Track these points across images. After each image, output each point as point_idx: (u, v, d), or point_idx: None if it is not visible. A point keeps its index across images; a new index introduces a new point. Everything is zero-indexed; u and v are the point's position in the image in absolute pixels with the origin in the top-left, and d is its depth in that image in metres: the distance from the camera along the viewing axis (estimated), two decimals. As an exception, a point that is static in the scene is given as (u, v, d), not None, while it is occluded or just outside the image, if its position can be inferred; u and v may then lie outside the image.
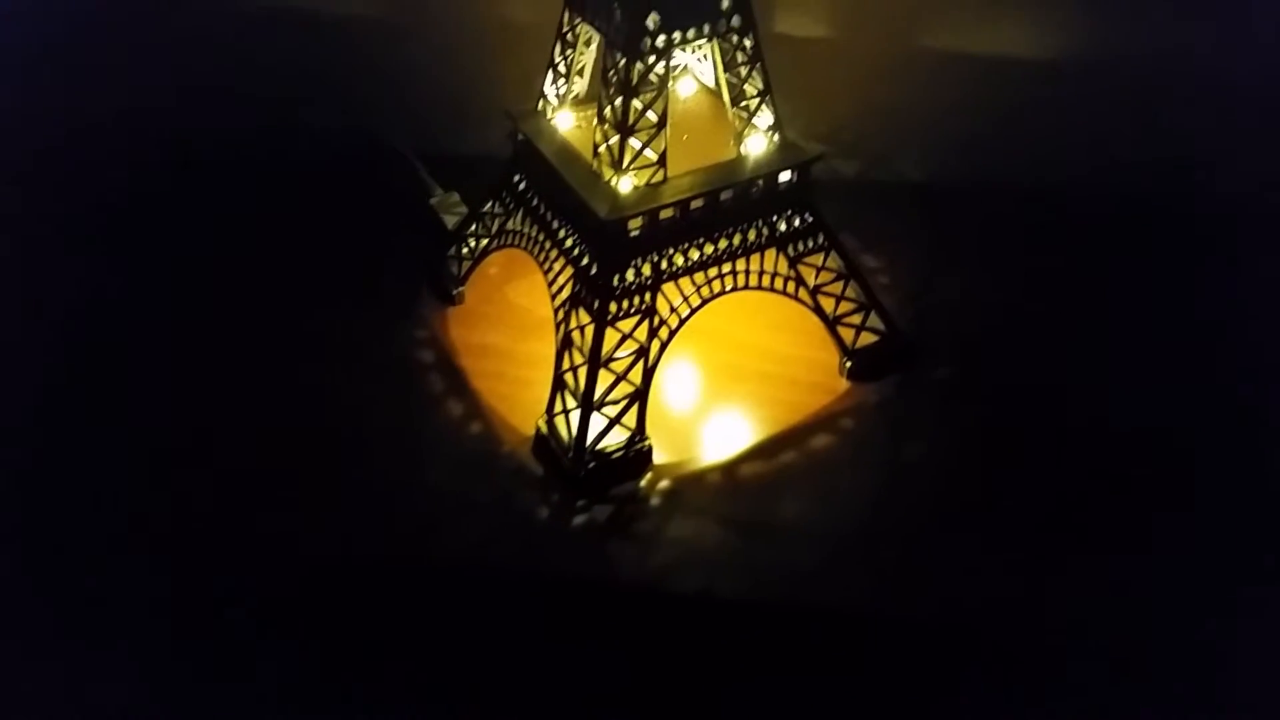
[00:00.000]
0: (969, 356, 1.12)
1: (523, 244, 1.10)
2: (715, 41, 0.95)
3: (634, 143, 0.93)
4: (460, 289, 1.19)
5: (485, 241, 1.16)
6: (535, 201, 1.07)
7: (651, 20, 0.89)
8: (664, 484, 1.00)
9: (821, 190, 1.31)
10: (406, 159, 1.37)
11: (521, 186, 1.10)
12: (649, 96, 0.92)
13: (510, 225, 1.12)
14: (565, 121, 1.07)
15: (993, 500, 0.98)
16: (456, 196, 1.31)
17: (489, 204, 1.16)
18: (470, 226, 1.18)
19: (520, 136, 1.07)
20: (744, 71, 0.97)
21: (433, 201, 1.30)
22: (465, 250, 1.19)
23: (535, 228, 1.08)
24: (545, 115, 1.06)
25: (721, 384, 1.11)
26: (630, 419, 0.99)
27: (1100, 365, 1.11)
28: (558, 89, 1.04)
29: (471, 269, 1.19)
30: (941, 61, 1.29)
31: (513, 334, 1.17)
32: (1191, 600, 0.89)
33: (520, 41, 1.35)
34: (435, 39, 1.39)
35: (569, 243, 1.02)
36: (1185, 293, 1.19)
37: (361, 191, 1.35)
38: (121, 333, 1.15)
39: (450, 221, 1.27)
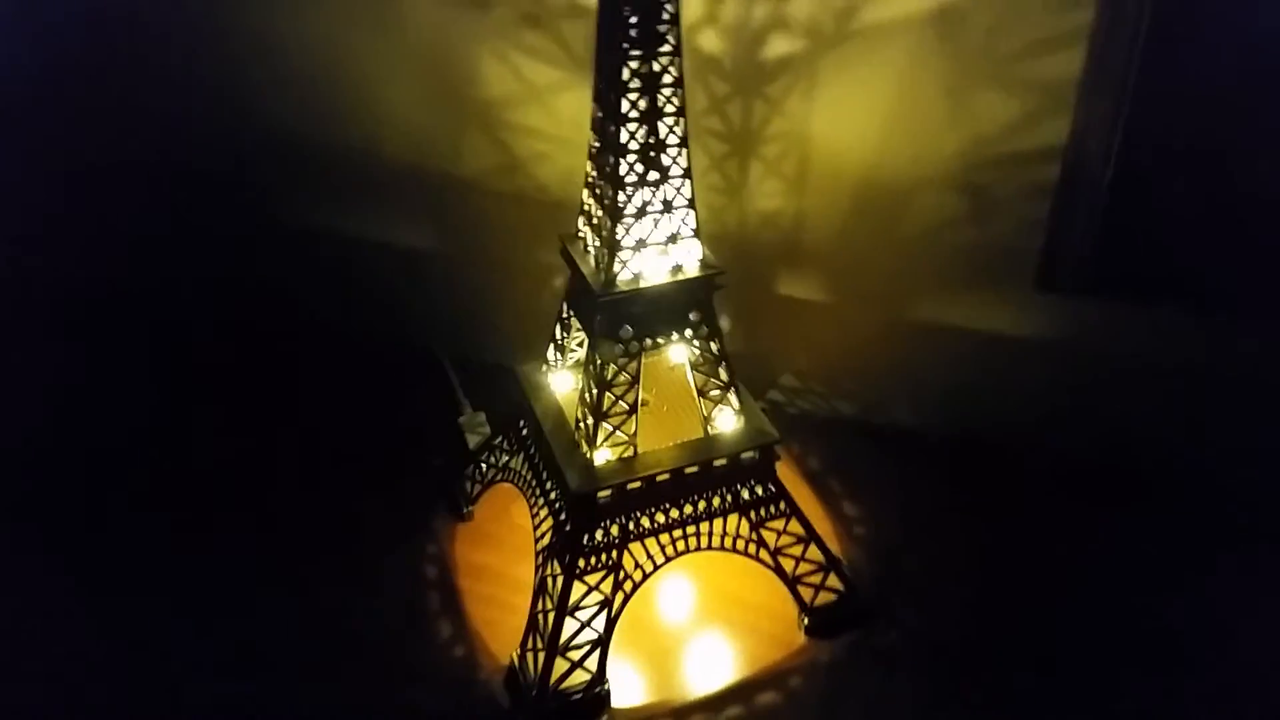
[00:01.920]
0: (923, 624, 1.20)
1: (519, 484, 1.24)
2: (684, 344, 1.09)
3: (606, 426, 1.07)
4: (470, 508, 1.34)
5: (492, 473, 1.31)
6: (532, 450, 1.22)
7: (624, 330, 1.04)
8: (617, 726, 1.11)
9: (815, 428, 1.43)
10: (444, 370, 1.55)
11: (524, 433, 1.25)
12: (621, 389, 1.06)
13: (512, 464, 1.27)
14: (564, 382, 1.22)
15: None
16: (482, 417, 1.47)
17: (499, 438, 1.31)
18: (484, 453, 1.33)
19: (522, 391, 1.22)
20: (709, 369, 1.10)
21: (460, 420, 1.47)
22: (478, 473, 1.33)
23: (530, 473, 1.22)
24: (546, 375, 1.21)
25: (685, 628, 1.21)
26: (591, 663, 1.11)
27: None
28: (558, 357, 1.19)
29: (481, 492, 1.33)
30: (928, 328, 1.40)
31: (509, 556, 1.29)
32: None
33: (544, 278, 1.53)
34: (466, 268, 1.56)
35: (552, 495, 1.16)
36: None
37: (398, 397, 1.53)
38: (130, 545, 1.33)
39: (472, 441, 1.43)
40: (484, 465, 1.32)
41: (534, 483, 1.20)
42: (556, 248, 1.49)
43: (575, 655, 1.10)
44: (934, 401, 1.48)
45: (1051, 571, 1.27)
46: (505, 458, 1.28)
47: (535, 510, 1.19)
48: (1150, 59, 1.07)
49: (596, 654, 1.11)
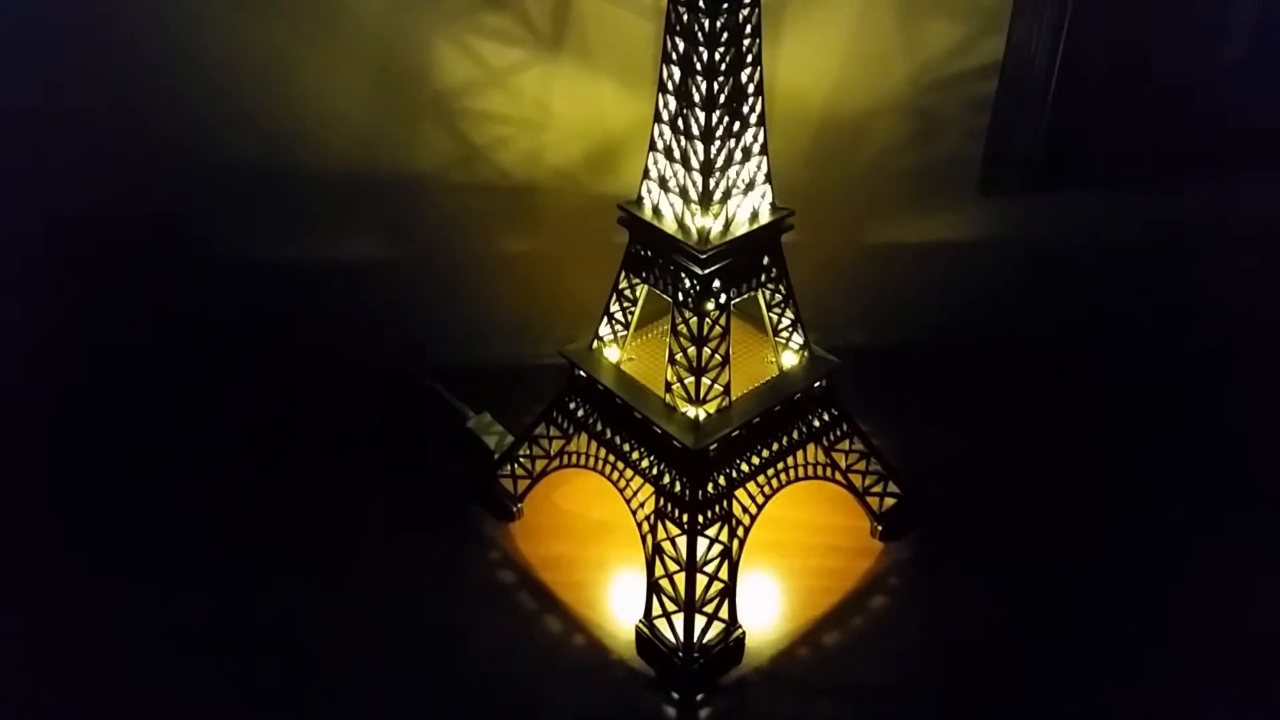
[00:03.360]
0: (973, 505, 1.33)
1: (589, 464, 1.23)
2: (759, 290, 1.13)
3: (706, 381, 1.09)
4: (519, 505, 1.31)
5: (544, 463, 1.28)
6: (600, 427, 1.21)
7: (717, 283, 1.06)
8: (761, 665, 1.14)
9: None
10: (428, 385, 1.49)
11: (580, 414, 1.24)
12: (715, 342, 1.09)
13: (572, 448, 1.25)
14: (612, 355, 1.22)
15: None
16: (489, 416, 1.43)
17: (540, 426, 1.29)
18: (522, 448, 1.30)
19: (578, 371, 1.21)
20: (780, 308, 1.15)
21: (469, 425, 1.42)
22: (520, 470, 1.30)
23: (604, 450, 1.21)
24: (599, 353, 1.21)
25: (776, 560, 1.26)
26: (723, 612, 1.14)
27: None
28: (613, 332, 1.19)
29: (530, 487, 1.31)
30: (881, 247, 1.52)
31: (575, 541, 1.29)
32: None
33: (513, 267, 1.51)
34: (429, 271, 1.50)
35: (645, 463, 1.16)
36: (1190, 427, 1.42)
37: (389, 423, 1.45)
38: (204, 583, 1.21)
39: (491, 441, 1.39)
40: (525, 459, 1.30)
41: (612, 458, 1.20)
42: (523, 234, 1.48)
43: (709, 610, 1.12)
44: (888, 316, 1.60)
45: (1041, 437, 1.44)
46: (559, 444, 1.27)
47: (624, 484, 1.19)
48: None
49: (727, 602, 1.14)
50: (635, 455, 1.18)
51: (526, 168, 1.41)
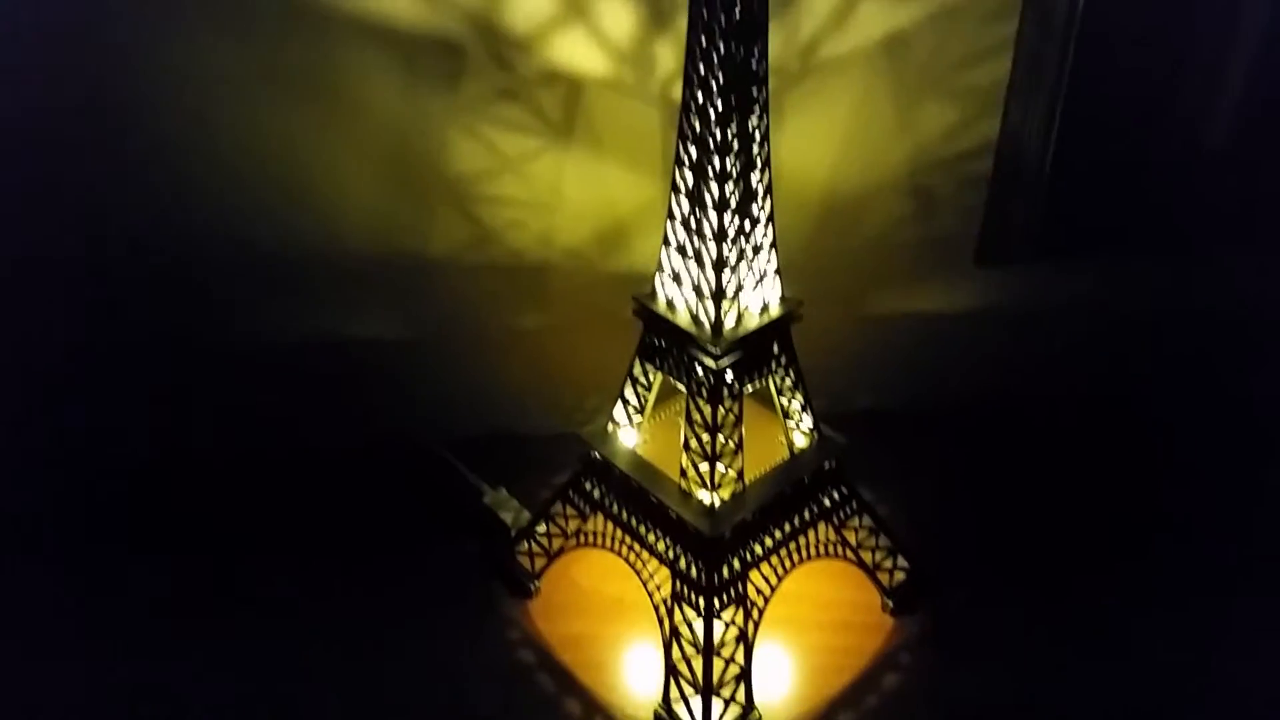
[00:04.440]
0: (982, 576, 1.35)
1: (606, 545, 1.26)
2: (770, 377, 1.16)
3: (720, 468, 1.12)
4: (537, 583, 1.33)
5: (561, 542, 1.31)
6: (617, 509, 1.24)
7: (729, 375, 1.09)
8: (778, 747, 1.16)
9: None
10: (446, 460, 1.51)
11: (596, 494, 1.26)
12: (729, 430, 1.11)
13: (590, 528, 1.28)
14: (627, 438, 1.25)
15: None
16: (505, 492, 1.45)
17: (555, 504, 1.31)
18: (539, 526, 1.32)
19: (595, 454, 1.24)
20: (791, 393, 1.19)
21: (486, 500, 1.44)
22: (538, 548, 1.33)
23: (621, 532, 1.24)
24: (615, 436, 1.24)
25: (789, 637, 1.28)
26: (740, 695, 1.16)
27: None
28: (628, 415, 1.22)
29: (548, 565, 1.33)
30: (882, 317, 1.55)
31: (593, 620, 1.31)
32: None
33: (525, 341, 1.54)
34: (443, 348, 1.53)
35: (661, 546, 1.19)
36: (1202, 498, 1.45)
37: (406, 500, 1.48)
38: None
39: (508, 518, 1.42)
40: (544, 540, 1.32)
41: (629, 540, 1.23)
42: (535, 310, 1.52)
43: (727, 693, 1.15)
44: (891, 383, 1.63)
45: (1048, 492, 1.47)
46: (576, 523, 1.29)
47: (641, 566, 1.21)
48: (1080, 60, 1.27)
49: (743, 685, 1.16)
50: (651, 538, 1.20)
51: (538, 248, 1.45)
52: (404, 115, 1.32)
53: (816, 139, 1.39)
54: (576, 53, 1.28)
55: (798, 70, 1.33)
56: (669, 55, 1.29)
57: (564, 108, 1.33)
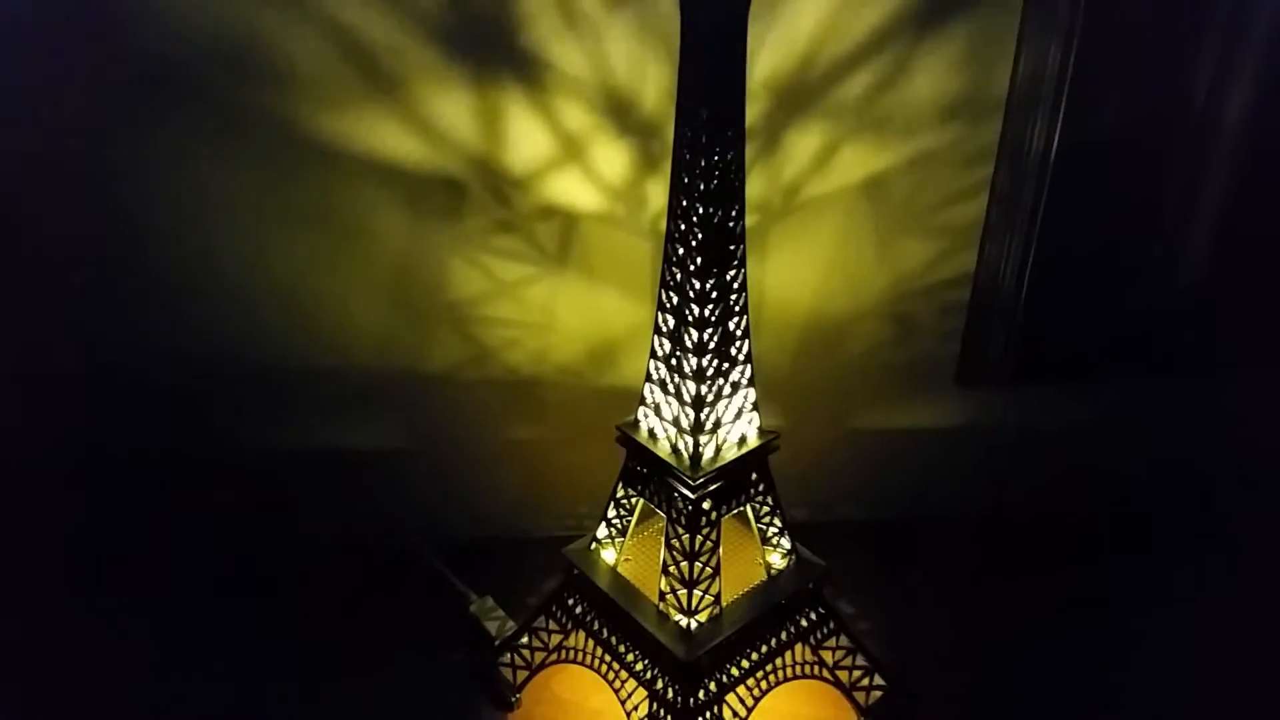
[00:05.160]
0: (956, 692, 1.38)
1: (586, 662, 1.30)
2: (749, 505, 1.21)
3: (697, 593, 1.17)
4: (518, 695, 1.37)
5: (543, 655, 1.35)
6: (597, 627, 1.28)
7: (707, 504, 1.15)
8: None
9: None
10: (432, 565, 1.56)
11: (578, 610, 1.31)
12: (706, 556, 1.16)
13: (570, 643, 1.32)
14: (609, 556, 1.29)
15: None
16: (491, 601, 1.50)
17: (538, 618, 1.35)
18: (522, 638, 1.36)
19: (577, 572, 1.28)
20: (769, 518, 1.24)
21: (472, 609, 1.48)
22: (520, 660, 1.36)
23: (600, 649, 1.28)
24: (597, 554, 1.29)
25: (765, 758, 1.31)
26: (715, 816, 1.18)
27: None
28: (610, 535, 1.27)
29: (530, 678, 1.36)
30: (865, 433, 1.61)
31: (574, 733, 1.34)
32: None
33: (518, 452, 1.60)
34: (437, 458, 1.58)
35: (639, 667, 1.23)
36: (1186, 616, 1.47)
37: (393, 607, 1.52)
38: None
39: (493, 627, 1.45)
40: (524, 650, 1.36)
41: (608, 658, 1.27)
42: (528, 423, 1.57)
43: (700, 809, 1.17)
44: (872, 496, 1.68)
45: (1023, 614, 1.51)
46: (558, 638, 1.33)
47: (618, 684, 1.25)
48: (1053, 200, 1.35)
49: (718, 805, 1.19)
50: (630, 658, 1.24)
51: (533, 365, 1.51)
52: (408, 245, 1.39)
53: (800, 269, 1.47)
54: (571, 190, 1.36)
55: (781, 208, 1.41)
56: (658, 192, 1.37)
57: (559, 238, 1.41)
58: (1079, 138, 1.30)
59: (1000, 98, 1.34)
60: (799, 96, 1.31)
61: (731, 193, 1.01)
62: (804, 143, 1.35)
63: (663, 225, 1.37)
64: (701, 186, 0.99)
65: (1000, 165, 1.37)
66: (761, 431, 1.19)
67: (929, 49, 1.31)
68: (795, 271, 1.47)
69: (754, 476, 1.21)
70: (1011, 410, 1.61)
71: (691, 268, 1.04)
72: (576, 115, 1.31)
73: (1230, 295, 1.47)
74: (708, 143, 0.97)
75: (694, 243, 1.03)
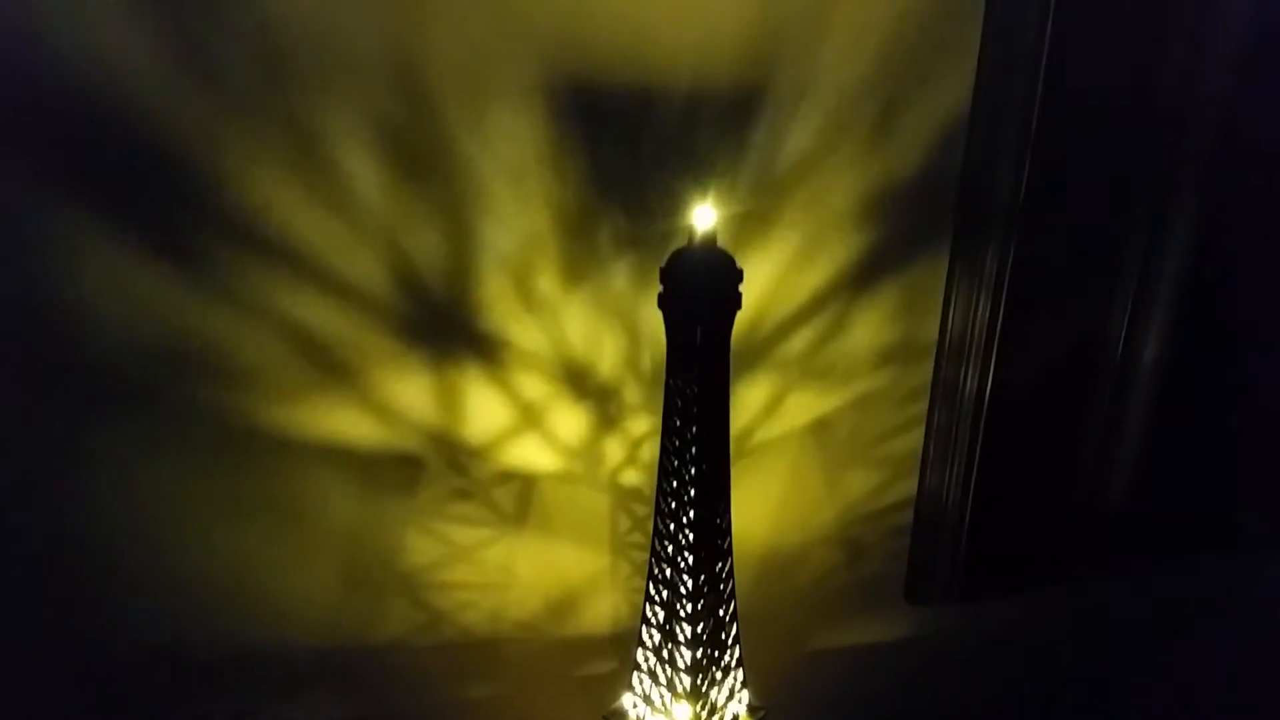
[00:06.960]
0: None
1: None
2: None
3: None
4: None
5: None
6: None
7: None
8: None
9: None
10: None
11: None
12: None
13: None
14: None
15: None
16: None
17: None
18: None
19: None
20: None
21: None
22: None
23: None
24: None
25: None
26: None
27: None
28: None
29: None
30: (819, 652, 1.61)
31: None
32: None
33: (477, 711, 1.53)
34: None
35: None
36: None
37: None
38: None
39: None
40: None
41: None
42: (486, 682, 1.52)
43: None
44: (834, 710, 1.68)
45: None
46: None
47: None
48: (990, 427, 1.42)
49: None
50: None
51: (490, 624, 1.47)
52: (359, 521, 1.35)
53: (755, 506, 1.49)
54: (529, 453, 1.36)
55: (736, 452, 1.42)
56: (616, 449, 1.38)
57: (517, 499, 1.39)
58: (1010, 378, 1.38)
59: (931, 343, 1.42)
60: (749, 354, 1.35)
61: (717, 493, 1.02)
62: (754, 394, 1.39)
63: (622, 478, 1.39)
64: (690, 492, 1.00)
65: (935, 404, 1.44)
66: (751, 708, 1.18)
67: (865, 304, 1.38)
68: (750, 509, 1.49)
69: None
70: (960, 623, 1.66)
71: (682, 565, 1.04)
72: (535, 385, 1.31)
73: (1146, 508, 1.57)
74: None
75: (683, 541, 1.03)
